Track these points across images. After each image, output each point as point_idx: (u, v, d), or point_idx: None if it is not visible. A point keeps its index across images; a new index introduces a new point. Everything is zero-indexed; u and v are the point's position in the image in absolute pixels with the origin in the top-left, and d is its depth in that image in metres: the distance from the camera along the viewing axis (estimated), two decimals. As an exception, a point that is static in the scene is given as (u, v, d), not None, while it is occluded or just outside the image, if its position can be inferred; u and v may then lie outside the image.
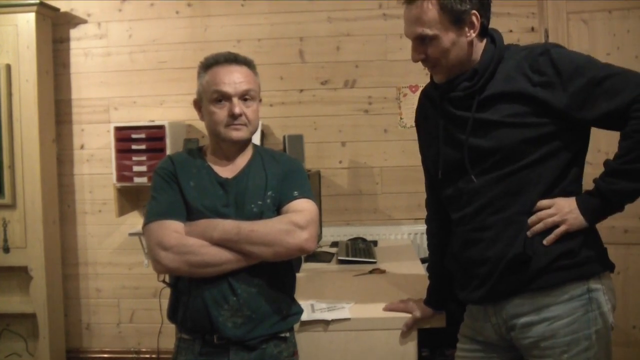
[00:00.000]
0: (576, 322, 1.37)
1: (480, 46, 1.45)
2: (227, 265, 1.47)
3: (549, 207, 1.39)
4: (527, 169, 1.39)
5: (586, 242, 1.40)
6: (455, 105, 1.47)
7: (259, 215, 1.52)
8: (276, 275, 1.55)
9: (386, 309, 1.83)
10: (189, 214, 1.52)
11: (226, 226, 1.47)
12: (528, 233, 1.39)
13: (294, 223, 1.49)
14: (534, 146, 1.38)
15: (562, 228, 1.37)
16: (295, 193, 1.56)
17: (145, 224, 1.51)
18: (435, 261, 1.73)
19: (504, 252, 1.40)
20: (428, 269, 1.79)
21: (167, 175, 1.56)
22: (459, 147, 1.46)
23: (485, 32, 1.46)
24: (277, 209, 1.56)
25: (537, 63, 1.37)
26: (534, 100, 1.36)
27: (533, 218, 1.39)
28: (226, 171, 1.59)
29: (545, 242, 1.38)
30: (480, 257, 1.45)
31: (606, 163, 1.38)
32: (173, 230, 1.48)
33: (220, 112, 1.53)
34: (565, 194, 1.40)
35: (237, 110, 1.52)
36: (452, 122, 1.49)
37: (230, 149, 1.59)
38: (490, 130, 1.40)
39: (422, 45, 1.44)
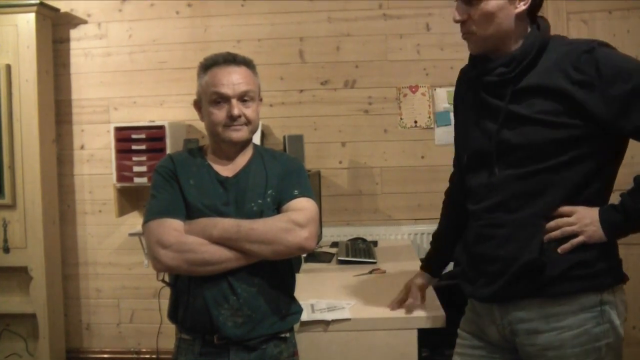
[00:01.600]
0: (586, 334, 1.34)
1: (526, 28, 1.38)
2: (226, 263, 1.47)
3: (570, 215, 1.34)
4: (550, 171, 1.33)
5: (602, 254, 1.35)
6: (489, 92, 1.41)
7: (259, 214, 1.52)
8: (276, 274, 1.55)
9: (392, 308, 1.83)
10: (189, 213, 1.52)
11: (226, 224, 1.47)
12: (545, 238, 1.35)
13: (294, 221, 1.48)
14: (561, 148, 1.32)
15: (579, 239, 1.33)
16: (296, 192, 1.56)
17: (145, 222, 1.51)
18: (441, 231, 1.76)
19: (516, 254, 1.36)
20: (432, 236, 1.81)
21: (167, 174, 1.56)
22: (487, 135, 1.41)
23: (534, 14, 1.39)
24: (277, 208, 1.56)
25: (580, 60, 1.28)
26: (569, 99, 1.29)
27: (552, 224, 1.35)
28: (226, 170, 1.59)
29: (560, 250, 1.34)
30: (491, 255, 1.41)
31: (636, 179, 1.32)
32: (173, 228, 1.47)
33: (219, 114, 1.53)
34: (589, 203, 1.35)
35: (235, 112, 1.52)
36: (483, 108, 1.43)
37: (230, 149, 1.59)
38: (520, 124, 1.34)
39: (467, 5, 1.36)
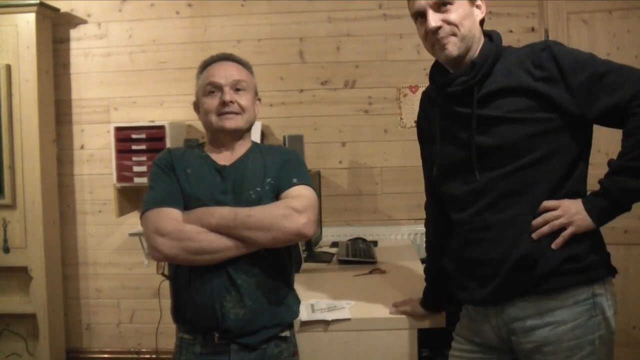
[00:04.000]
0: (580, 327, 1.35)
1: (481, 39, 1.46)
2: (225, 252, 1.46)
3: (555, 209, 1.36)
4: (531, 167, 1.37)
5: (592, 247, 1.38)
6: (454, 102, 1.46)
7: (257, 202, 1.52)
8: (275, 264, 1.56)
9: (394, 309, 1.83)
10: (187, 203, 1.52)
11: (223, 212, 1.47)
12: (534, 235, 1.37)
13: (292, 207, 1.48)
14: (537, 142, 1.36)
15: (569, 230, 1.35)
16: (294, 180, 1.57)
17: (143, 213, 1.51)
18: (432, 264, 1.72)
19: (507, 253, 1.38)
20: (425, 272, 1.78)
21: (165, 165, 1.58)
22: (460, 145, 1.45)
23: (482, 25, 1.48)
24: (275, 197, 1.56)
25: (539, 58, 1.36)
26: (537, 95, 1.35)
27: (539, 220, 1.37)
28: (224, 159, 1.60)
29: (553, 246, 1.36)
30: (482, 258, 1.43)
31: (610, 162, 1.35)
32: (170, 217, 1.47)
33: (212, 102, 1.57)
34: (572, 194, 1.38)
35: (227, 97, 1.54)
36: (451, 119, 1.47)
37: (225, 138, 1.60)
38: (493, 126, 1.39)
39: (438, 12, 1.42)
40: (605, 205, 1.35)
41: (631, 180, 1.31)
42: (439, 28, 1.42)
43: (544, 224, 1.37)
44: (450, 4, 1.40)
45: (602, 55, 1.41)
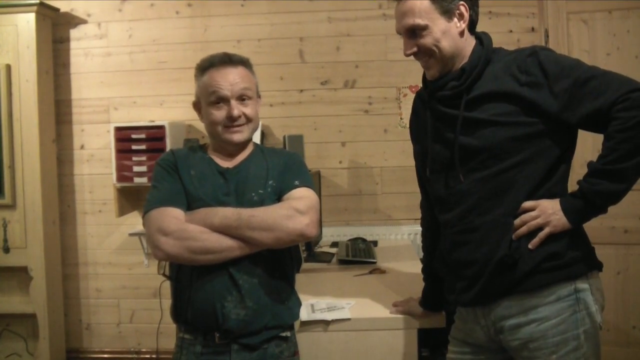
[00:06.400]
0: (564, 322, 1.38)
1: (471, 43, 1.48)
2: (228, 252, 1.47)
3: (532, 209, 1.39)
4: (513, 169, 1.40)
5: (572, 243, 1.41)
6: (443, 104, 1.49)
7: (260, 204, 1.53)
8: (276, 265, 1.56)
9: (394, 309, 1.83)
10: (190, 203, 1.52)
11: (226, 212, 1.48)
12: (513, 236, 1.40)
13: (295, 208, 1.49)
14: (520, 145, 1.39)
15: (545, 230, 1.38)
16: (296, 182, 1.57)
17: (146, 212, 1.51)
18: (429, 263, 1.73)
19: (491, 254, 1.41)
20: (422, 271, 1.79)
21: (168, 166, 1.58)
22: (447, 144, 1.48)
23: (474, 27, 1.49)
24: (277, 199, 1.56)
25: (525, 64, 1.39)
26: (522, 100, 1.38)
27: (517, 221, 1.40)
28: (227, 162, 1.60)
29: (530, 246, 1.39)
30: (467, 259, 1.46)
31: (589, 164, 1.38)
32: (173, 216, 1.48)
33: (218, 114, 1.55)
34: (551, 195, 1.41)
35: (235, 112, 1.54)
36: (440, 119, 1.50)
37: (231, 148, 1.61)
38: (478, 128, 1.42)
39: (414, 38, 1.47)
40: (581, 206, 1.38)
41: (607, 183, 1.34)
42: (413, 54, 1.48)
43: (522, 225, 1.40)
44: (424, 29, 1.43)
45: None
